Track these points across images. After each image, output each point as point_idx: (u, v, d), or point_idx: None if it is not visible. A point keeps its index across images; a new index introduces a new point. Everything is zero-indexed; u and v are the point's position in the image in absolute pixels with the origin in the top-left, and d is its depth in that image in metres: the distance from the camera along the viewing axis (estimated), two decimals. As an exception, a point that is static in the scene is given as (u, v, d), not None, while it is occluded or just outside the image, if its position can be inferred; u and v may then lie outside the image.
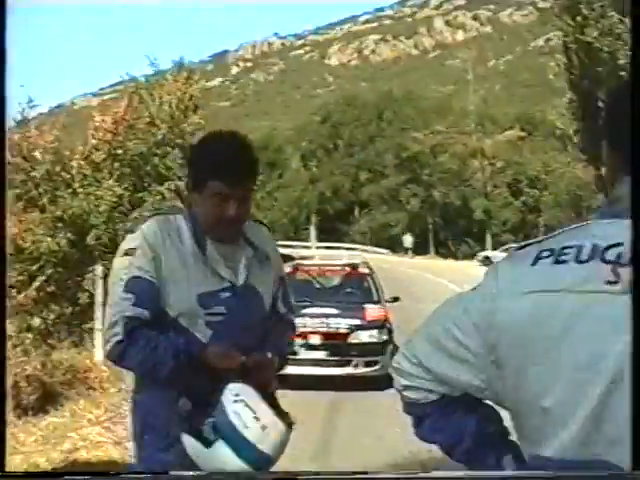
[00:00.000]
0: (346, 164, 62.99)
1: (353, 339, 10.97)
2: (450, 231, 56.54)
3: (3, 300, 5.34)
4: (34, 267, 14.21)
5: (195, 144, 3.06)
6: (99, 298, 12.13)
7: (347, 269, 12.92)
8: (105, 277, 12.24)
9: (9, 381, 9.44)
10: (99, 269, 12.31)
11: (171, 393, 2.82)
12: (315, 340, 10.88)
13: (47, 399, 9.20)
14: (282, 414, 2.70)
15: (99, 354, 12.13)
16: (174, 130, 16.83)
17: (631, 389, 1.85)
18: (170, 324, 2.83)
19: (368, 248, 56.96)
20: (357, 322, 11.13)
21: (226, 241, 2.94)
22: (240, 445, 2.58)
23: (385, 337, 11.09)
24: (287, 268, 12.85)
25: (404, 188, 58.83)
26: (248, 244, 3.01)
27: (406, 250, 50.21)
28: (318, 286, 12.83)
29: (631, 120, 2.04)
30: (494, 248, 52.22)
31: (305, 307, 11.48)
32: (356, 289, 12.60)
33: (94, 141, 15.63)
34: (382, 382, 10.77)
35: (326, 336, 10.95)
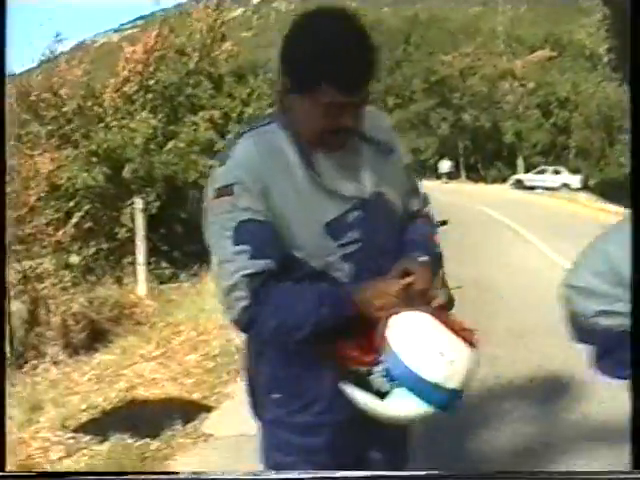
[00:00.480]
0: (374, 90, 61.96)
1: None
2: (480, 155, 55.80)
3: (3, 298, 5.06)
4: (71, 203, 14.05)
5: (299, 29, 2.24)
6: (140, 232, 11.93)
7: None
8: (145, 210, 12.06)
9: (57, 320, 9.33)
10: (139, 202, 12.07)
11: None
12: None
13: (96, 336, 9.07)
14: (464, 333, 2.21)
15: (142, 288, 12.03)
16: (205, 59, 16.45)
17: (631, 389, 1.86)
18: (300, 270, 2.30)
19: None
20: None
21: (335, 149, 2.31)
22: (425, 390, 2.12)
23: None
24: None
25: (433, 112, 58.03)
26: (365, 140, 2.38)
27: (441, 175, 49.59)
28: None
29: (631, 120, 1.98)
30: (526, 171, 51.53)
31: None
32: None
33: (125, 73, 15.33)
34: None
35: None
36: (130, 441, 5.47)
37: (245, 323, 2.30)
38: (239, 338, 8.90)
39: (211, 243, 2.35)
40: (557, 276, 2.44)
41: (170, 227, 16.02)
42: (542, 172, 47.27)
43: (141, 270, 11.96)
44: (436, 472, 5.23)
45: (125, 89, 14.98)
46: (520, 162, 52.76)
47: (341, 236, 2.30)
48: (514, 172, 52.07)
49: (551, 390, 6.94)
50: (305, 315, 2.23)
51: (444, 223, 10.47)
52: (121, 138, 14.39)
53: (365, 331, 2.23)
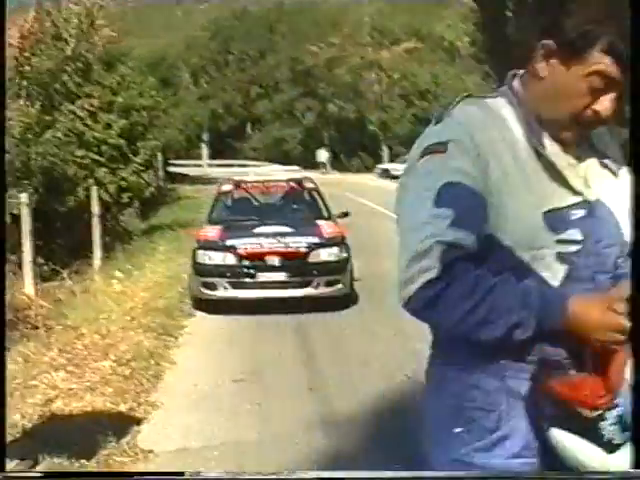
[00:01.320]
0: (238, 80, 61.49)
1: (313, 258, 10.29)
2: (345, 145, 56.09)
3: (3, 299, 4.61)
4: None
5: None
6: (26, 227, 11.15)
7: (292, 184, 12.20)
8: (30, 204, 11.30)
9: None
10: (24, 196, 11.27)
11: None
12: (273, 261, 10.19)
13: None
14: None
15: (29, 288, 11.25)
16: (83, 45, 15.64)
17: (631, 389, 1.76)
18: (502, 258, 1.92)
19: (261, 164, 56.17)
20: (316, 240, 10.47)
21: (567, 142, 2.00)
22: None
23: (345, 255, 10.50)
24: (227, 186, 12.12)
25: (298, 102, 57.93)
26: (590, 148, 2.07)
27: (320, 165, 49.44)
28: (256, 203, 12.11)
29: (631, 119, 1.89)
30: (390, 160, 52.12)
31: (254, 226, 10.81)
32: (302, 205, 11.95)
33: (-2, 58, 14.31)
34: (342, 302, 10.37)
35: (285, 256, 10.22)
36: (65, 463, 4.95)
37: (425, 301, 1.88)
38: (148, 340, 8.43)
39: (403, 208, 2.00)
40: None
41: (48, 222, 15.14)
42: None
43: (28, 269, 11.19)
44: (436, 472, 5.09)
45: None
46: (385, 152, 53.37)
47: (561, 230, 1.93)
48: (376, 162, 52.59)
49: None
50: (503, 311, 1.85)
51: (346, 215, 10.17)
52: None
53: (582, 359, 1.85)
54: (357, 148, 56.33)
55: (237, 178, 12.45)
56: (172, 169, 43.82)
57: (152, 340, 8.44)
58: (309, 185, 12.25)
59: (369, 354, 8.24)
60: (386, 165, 50.26)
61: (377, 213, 21.78)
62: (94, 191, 14.62)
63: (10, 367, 7.37)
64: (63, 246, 15.29)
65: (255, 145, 62.59)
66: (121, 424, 5.78)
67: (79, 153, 16.86)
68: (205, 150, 64.52)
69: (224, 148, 61.51)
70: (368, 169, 51.74)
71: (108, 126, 20.65)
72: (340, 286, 10.28)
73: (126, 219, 22.58)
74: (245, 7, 60.70)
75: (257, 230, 10.61)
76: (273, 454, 5.41)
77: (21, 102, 13.85)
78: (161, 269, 13.55)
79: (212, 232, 10.83)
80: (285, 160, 54.67)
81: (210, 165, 61.13)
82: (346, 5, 56.24)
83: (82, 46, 15.37)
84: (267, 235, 10.45)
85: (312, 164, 52.39)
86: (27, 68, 14.40)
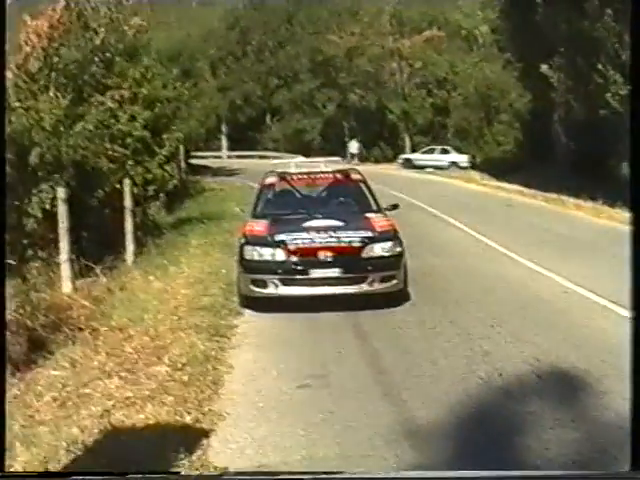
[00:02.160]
0: (256, 71, 60.86)
1: (368, 253, 9.77)
2: (365, 135, 55.43)
3: (3, 299, 4.38)
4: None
5: None
6: (63, 224, 10.71)
7: (338, 176, 11.68)
8: (68, 199, 10.87)
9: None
10: (61, 191, 10.82)
11: None
12: (326, 256, 9.67)
13: (33, 347, 7.89)
14: None
15: (66, 286, 10.82)
16: (112, 34, 15.17)
17: (631, 389, 2.41)
18: None
19: (281, 155, 55.63)
20: (369, 234, 9.94)
21: None
22: None
23: (399, 249, 9.97)
24: (271, 179, 11.63)
25: (319, 93, 57.26)
26: None
27: (350, 156, 48.74)
28: (301, 196, 11.58)
29: (631, 119, 2.07)
30: (413, 150, 51.50)
31: (303, 220, 10.31)
32: (349, 198, 11.42)
33: (28, 49, 13.85)
34: (397, 298, 9.88)
35: (338, 251, 9.69)
36: (140, 484, 4.49)
37: None
38: (201, 342, 7.97)
39: None
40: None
41: (79, 217, 14.70)
42: (431, 151, 47.41)
43: (66, 267, 10.75)
44: (436, 472, 4.80)
45: (28, 66, 13.60)
46: (407, 142, 52.68)
47: None
48: (395, 152, 51.96)
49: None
50: None
51: (395, 207, 9.69)
52: (26, 120, 12.99)
53: None
54: (377, 138, 55.64)
55: (280, 170, 11.93)
56: (193, 161, 43.45)
57: (205, 342, 7.97)
58: (356, 177, 11.73)
59: (434, 354, 7.76)
60: (409, 155, 49.70)
61: (414, 206, 21.31)
62: (127, 184, 14.19)
63: (58, 373, 6.97)
64: (94, 241, 14.86)
65: (274, 136, 62.04)
66: (189, 437, 5.33)
67: (108, 146, 16.40)
68: (224, 141, 64.13)
69: (243, 139, 61.04)
70: (387, 159, 51.08)
71: (132, 118, 20.26)
72: (395, 282, 9.77)
73: (154, 212, 22.21)
74: (263, -2, 60.04)
75: (306, 224, 10.11)
76: (362, 468, 4.95)
77: (51, 94, 13.36)
78: (198, 264, 13.12)
79: (259, 227, 10.33)
80: (305, 151, 54.15)
81: (229, 156, 60.82)
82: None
83: (112, 36, 14.88)
84: (317, 229, 9.93)
85: (332, 154, 51.78)
86: (56, 59, 13.91)
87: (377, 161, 52.96)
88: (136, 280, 11.64)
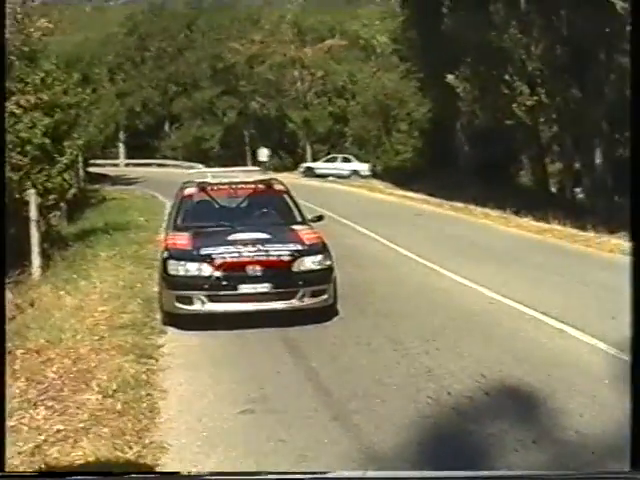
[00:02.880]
0: (155, 77, 59.75)
1: (298, 267, 9.37)
2: (265, 143, 55.05)
3: (3, 299, 4.49)
4: None
5: None
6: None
7: (260, 187, 11.25)
8: None
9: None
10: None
11: None
12: (255, 270, 9.23)
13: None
14: None
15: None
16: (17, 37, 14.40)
17: (631, 389, 2.36)
18: None
19: (180, 163, 54.74)
20: (298, 247, 9.54)
21: None
22: None
23: (329, 262, 9.61)
24: (190, 189, 11.14)
25: (219, 100, 56.55)
26: None
27: (261, 164, 47.97)
28: (222, 208, 11.11)
29: (630, 120, 2.14)
30: (313, 159, 51.38)
31: (228, 232, 9.87)
32: (272, 209, 11.02)
33: None
34: (328, 313, 9.57)
35: (267, 265, 9.26)
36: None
37: None
38: (129, 365, 7.46)
39: None
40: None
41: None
42: (332, 160, 47.34)
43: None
44: (435, 472, 4.84)
45: None
46: (308, 150, 52.50)
47: None
48: (296, 161, 51.71)
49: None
50: None
51: (320, 218, 9.36)
52: None
53: None
54: (277, 147, 55.38)
55: (199, 180, 11.44)
56: (91, 169, 42.33)
57: (133, 364, 7.46)
58: (279, 187, 11.35)
59: (376, 371, 7.46)
60: (310, 163, 49.53)
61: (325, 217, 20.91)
62: (32, 194, 13.47)
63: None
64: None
65: (173, 144, 61.06)
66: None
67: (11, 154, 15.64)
68: (122, 149, 62.77)
69: (141, 147, 59.85)
70: (287, 168, 50.79)
71: (33, 125, 19.41)
72: (326, 296, 9.43)
73: (55, 223, 21.34)
74: (162, 3, 59.02)
75: (231, 237, 9.65)
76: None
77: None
78: (110, 278, 12.51)
79: (182, 240, 9.81)
80: (204, 159, 53.39)
81: (127, 164, 59.54)
82: (266, 3, 55.05)
83: (16, 38, 14.11)
84: (244, 242, 9.49)
85: (233, 162, 51.15)
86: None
87: (277, 170, 52.63)
88: (46, 296, 10.99)
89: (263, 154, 49.46)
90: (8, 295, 11.83)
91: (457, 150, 36.19)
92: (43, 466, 4.38)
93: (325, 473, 4.83)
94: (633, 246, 4.70)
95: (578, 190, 27.20)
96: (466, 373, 7.39)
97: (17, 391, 6.70)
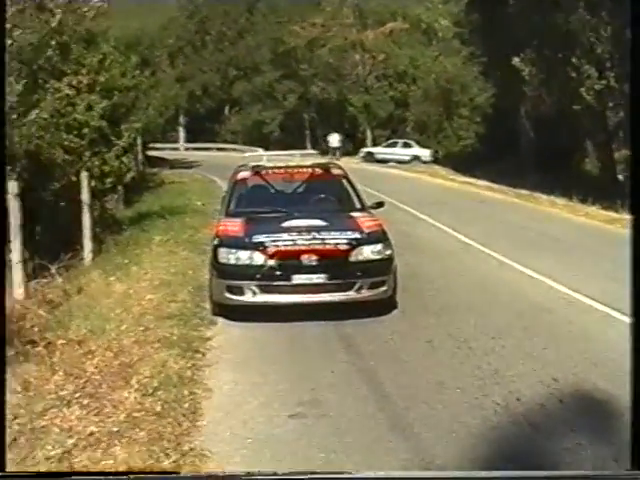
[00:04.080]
0: (215, 61, 59.62)
1: (356, 256, 8.77)
2: (325, 127, 54.50)
3: (3, 300, 4.64)
4: None
5: None
6: (16, 221, 9.67)
7: (318, 171, 10.67)
8: (21, 194, 9.85)
9: None
10: (14, 186, 9.76)
11: None
12: (310, 260, 8.64)
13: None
14: None
15: (18, 291, 9.77)
16: (71, 17, 14.04)
17: (631, 389, 2.92)
18: None
19: (240, 147, 54.54)
20: (356, 235, 8.94)
21: None
22: None
23: (389, 252, 8.99)
24: (244, 173, 10.65)
25: (279, 84, 56.14)
26: None
27: (333, 150, 47.32)
28: (277, 193, 10.59)
29: (631, 120, 2.69)
30: (374, 144, 50.67)
31: (281, 219, 9.33)
32: (330, 195, 10.45)
33: (-24, 29, 12.67)
34: (387, 306, 9.01)
35: (323, 254, 8.65)
36: None
37: None
38: (173, 360, 7.00)
39: None
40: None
41: (33, 212, 13.61)
42: (393, 145, 46.56)
43: (18, 269, 9.69)
44: (435, 472, 4.61)
45: (-24, 49, 12.44)
46: (368, 135, 51.79)
47: None
48: (356, 145, 51.04)
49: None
50: None
51: (380, 205, 8.72)
52: (-24, 107, 11.87)
53: None
54: (337, 131, 54.82)
55: (254, 164, 10.93)
56: (150, 153, 42.28)
57: (177, 359, 7.00)
58: (337, 172, 10.78)
59: (438, 373, 6.88)
60: (370, 148, 48.84)
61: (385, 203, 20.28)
62: (85, 177, 13.13)
63: (9, 400, 5.93)
64: (49, 238, 13.79)
65: (233, 128, 60.96)
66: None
67: (64, 136, 15.37)
68: (182, 133, 62.84)
69: (201, 131, 59.84)
70: (348, 153, 50.14)
71: (89, 107, 19.19)
72: (385, 288, 8.83)
73: (111, 207, 21.13)
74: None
75: (286, 224, 9.10)
76: None
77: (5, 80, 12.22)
78: (162, 264, 12.13)
79: (233, 227, 9.30)
80: (264, 144, 53.06)
81: (187, 148, 59.58)
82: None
83: (69, 18, 13.74)
84: (299, 230, 8.93)
85: (292, 147, 50.65)
86: (9, 42, 12.75)
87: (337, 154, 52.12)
88: (95, 282, 10.62)
89: (335, 139, 48.52)
90: (57, 280, 11.57)
91: (520, 136, 35.18)
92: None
93: (329, 474, 4.55)
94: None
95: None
96: (536, 376, 6.79)
97: (53, 387, 6.29)
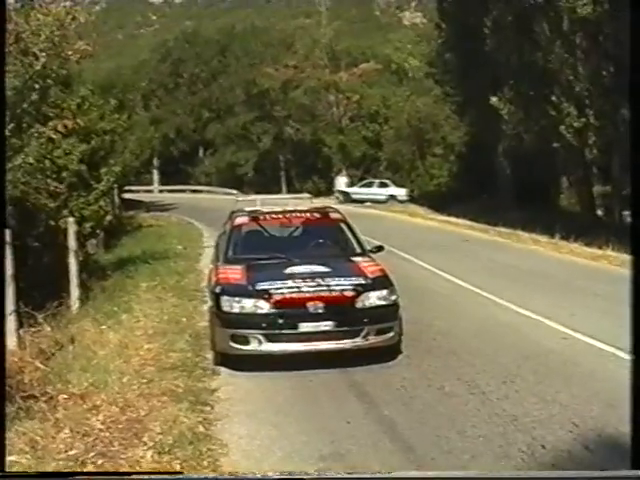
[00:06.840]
0: (189, 103, 59.61)
1: (363, 303, 8.62)
2: (300, 168, 54.58)
3: (3, 302, 3.67)
4: None
5: None
6: (8, 271, 9.40)
7: (315, 215, 10.54)
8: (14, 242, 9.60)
9: None
10: (7, 233, 9.50)
11: None
12: (316, 307, 8.44)
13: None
14: None
15: (11, 341, 9.48)
16: (55, 60, 13.85)
17: (631, 389, 3.03)
18: None
19: (215, 189, 54.44)
20: (361, 281, 8.78)
21: None
22: None
23: (394, 297, 8.84)
24: (241, 218, 10.47)
25: (253, 126, 56.17)
26: None
27: (338, 194, 46.90)
28: (274, 238, 10.43)
29: (631, 121, 3.26)
30: (350, 184, 50.66)
31: (284, 265, 9.14)
32: (328, 239, 10.29)
33: (-39, 74, 12.47)
34: (392, 352, 8.84)
35: (329, 301, 8.46)
36: None
37: None
38: (184, 413, 6.76)
39: None
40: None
41: (17, 258, 13.32)
42: (369, 185, 46.60)
43: (11, 320, 9.41)
44: (435, 472, 4.77)
45: (-39, 94, 12.23)
46: (344, 174, 51.80)
47: None
48: (329, 186, 51.05)
49: None
50: None
51: (380, 249, 8.58)
52: (-39, 153, 11.64)
53: None
54: (310, 172, 54.89)
55: (250, 209, 10.75)
56: (126, 195, 42.00)
57: (187, 412, 6.76)
58: (335, 215, 10.65)
59: (456, 421, 6.70)
60: (346, 188, 48.78)
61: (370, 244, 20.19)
62: (70, 222, 12.91)
63: (15, 459, 5.69)
64: (32, 284, 13.49)
65: (207, 170, 60.84)
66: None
67: (49, 181, 15.16)
68: (156, 175, 62.60)
69: (175, 173, 59.71)
70: (321, 193, 50.06)
71: (68, 151, 18.99)
72: (392, 334, 8.67)
73: (92, 251, 20.86)
74: (195, 29, 58.99)
75: (288, 270, 8.91)
76: None
77: (-10, 124, 12.02)
78: (154, 311, 11.90)
79: (235, 274, 9.08)
80: (238, 185, 52.98)
81: (161, 191, 59.34)
82: (301, 27, 54.70)
83: (54, 62, 13.56)
84: (302, 276, 8.74)
85: (266, 189, 50.57)
86: (-6, 86, 12.56)
87: (311, 195, 51.98)
88: (88, 332, 10.34)
89: (342, 182, 48.22)
90: (46, 329, 11.27)
91: (497, 173, 35.33)
92: None
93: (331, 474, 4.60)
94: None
95: (627, 213, 26.26)
96: (555, 421, 6.65)
97: (61, 446, 6.03)
